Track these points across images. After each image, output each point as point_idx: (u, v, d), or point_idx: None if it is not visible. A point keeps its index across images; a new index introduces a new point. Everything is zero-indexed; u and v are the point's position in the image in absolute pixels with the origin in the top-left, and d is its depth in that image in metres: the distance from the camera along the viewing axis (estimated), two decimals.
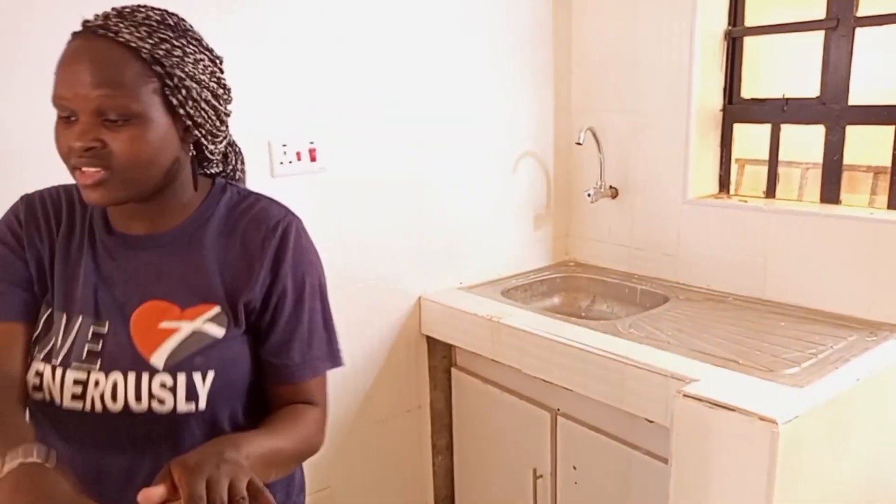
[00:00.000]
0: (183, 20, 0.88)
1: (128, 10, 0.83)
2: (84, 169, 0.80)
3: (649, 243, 2.10)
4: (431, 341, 2.04)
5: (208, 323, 0.88)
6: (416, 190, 1.93)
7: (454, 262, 2.06)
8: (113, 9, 0.84)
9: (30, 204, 0.93)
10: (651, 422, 1.48)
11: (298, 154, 1.67)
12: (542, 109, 2.18)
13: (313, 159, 1.70)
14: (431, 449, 2.11)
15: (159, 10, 0.86)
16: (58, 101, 0.81)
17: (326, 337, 0.97)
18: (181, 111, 0.84)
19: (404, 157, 1.89)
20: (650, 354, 1.50)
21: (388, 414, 1.99)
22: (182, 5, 0.97)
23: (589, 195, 2.12)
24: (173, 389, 0.85)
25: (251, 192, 0.97)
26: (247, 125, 1.33)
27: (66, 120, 0.81)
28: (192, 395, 0.85)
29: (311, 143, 1.69)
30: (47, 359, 0.86)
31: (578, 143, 2.05)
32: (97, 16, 0.83)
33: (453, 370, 2.06)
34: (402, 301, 1.97)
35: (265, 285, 0.91)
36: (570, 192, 2.30)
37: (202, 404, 0.86)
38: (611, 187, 2.15)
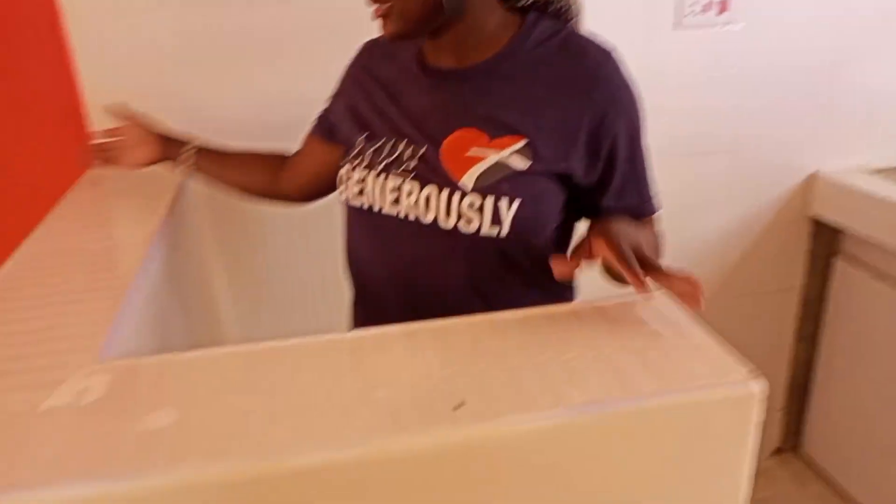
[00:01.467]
0: None
1: None
2: (373, 6, 0.88)
3: None
4: (817, 225, 1.86)
5: (515, 155, 0.88)
6: (827, 40, 1.69)
7: (863, 138, 1.80)
8: None
9: (367, 47, 1.07)
10: None
11: (706, 5, 1.55)
12: None
13: (724, 10, 1.57)
14: (794, 334, 2.00)
15: None
16: None
17: (650, 176, 0.97)
18: None
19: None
20: None
21: (753, 290, 1.91)
22: None
23: None
24: (480, 210, 0.87)
25: (565, 26, 0.93)
26: None
27: None
28: (496, 219, 0.87)
29: None
30: (369, 167, 0.95)
31: None
32: None
33: (837, 259, 1.87)
34: (788, 175, 1.81)
35: (589, 129, 0.88)
36: None
37: (504, 230, 0.88)
38: None
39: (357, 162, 0.97)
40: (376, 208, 0.95)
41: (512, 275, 0.95)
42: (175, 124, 1.21)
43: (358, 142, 0.98)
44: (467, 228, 0.88)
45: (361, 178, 0.95)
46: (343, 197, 1.00)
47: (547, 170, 0.89)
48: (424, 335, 0.72)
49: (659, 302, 0.77)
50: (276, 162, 1.19)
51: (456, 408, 0.61)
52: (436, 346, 0.70)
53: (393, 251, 0.96)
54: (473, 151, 0.89)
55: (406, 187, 0.91)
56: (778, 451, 2.15)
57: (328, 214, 1.22)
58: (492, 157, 0.88)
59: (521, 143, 0.88)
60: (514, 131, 0.88)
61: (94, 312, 0.80)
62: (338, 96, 1.09)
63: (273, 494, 0.57)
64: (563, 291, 1.03)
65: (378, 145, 0.96)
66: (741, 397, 0.63)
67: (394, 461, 0.58)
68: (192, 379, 0.67)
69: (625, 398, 0.62)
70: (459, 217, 0.88)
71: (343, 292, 1.14)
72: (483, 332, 0.73)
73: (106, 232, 1.08)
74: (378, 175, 0.94)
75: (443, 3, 0.86)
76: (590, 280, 0.95)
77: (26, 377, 0.68)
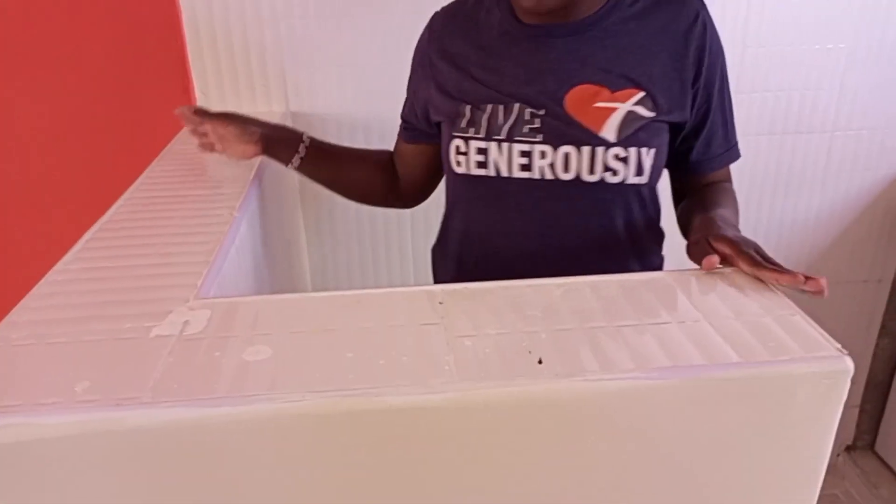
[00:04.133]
0: None
1: None
2: None
3: None
4: None
5: (637, 105, 0.91)
6: None
7: None
8: None
9: (437, 18, 1.03)
10: None
11: None
12: None
13: None
14: (879, 328, 1.92)
15: None
16: None
17: (734, 124, 1.01)
18: None
19: None
20: None
21: (840, 278, 1.84)
22: None
23: None
24: (625, 161, 0.90)
25: None
26: None
27: None
28: (640, 168, 0.91)
29: None
30: (488, 137, 0.93)
31: None
32: None
33: None
34: (886, 163, 1.72)
35: (693, 77, 0.92)
36: None
37: (645, 177, 0.92)
38: None
39: (471, 133, 0.94)
40: (504, 175, 0.94)
41: (644, 224, 1.00)
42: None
43: (464, 113, 0.96)
44: (614, 179, 0.92)
45: (482, 148, 0.94)
46: (460, 170, 0.97)
47: (666, 119, 0.93)
48: (520, 290, 0.74)
49: (748, 276, 0.76)
50: (390, 163, 1.15)
51: (540, 361, 0.62)
52: (519, 303, 0.71)
53: (525, 214, 0.97)
54: (602, 104, 0.90)
55: (537, 150, 0.92)
56: (849, 448, 2.09)
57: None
58: (623, 108, 0.90)
59: (640, 94, 0.91)
60: (632, 83, 0.91)
61: (194, 254, 0.84)
62: (416, 88, 1.06)
63: (360, 429, 0.60)
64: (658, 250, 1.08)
65: (489, 113, 0.94)
66: (831, 373, 0.62)
67: (476, 408, 0.60)
68: (285, 318, 0.70)
69: (710, 366, 0.61)
70: (606, 169, 0.91)
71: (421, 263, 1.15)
72: (575, 293, 0.73)
73: (203, 182, 1.13)
74: (501, 142, 0.93)
75: None
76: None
77: (135, 308, 0.73)
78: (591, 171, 0.91)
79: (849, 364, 0.62)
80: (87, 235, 0.90)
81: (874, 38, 1.59)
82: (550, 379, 0.60)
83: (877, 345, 1.94)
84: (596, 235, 0.96)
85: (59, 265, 0.83)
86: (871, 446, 2.09)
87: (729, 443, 0.64)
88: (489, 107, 0.94)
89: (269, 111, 1.47)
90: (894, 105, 1.66)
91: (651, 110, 0.91)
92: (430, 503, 0.64)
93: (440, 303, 0.72)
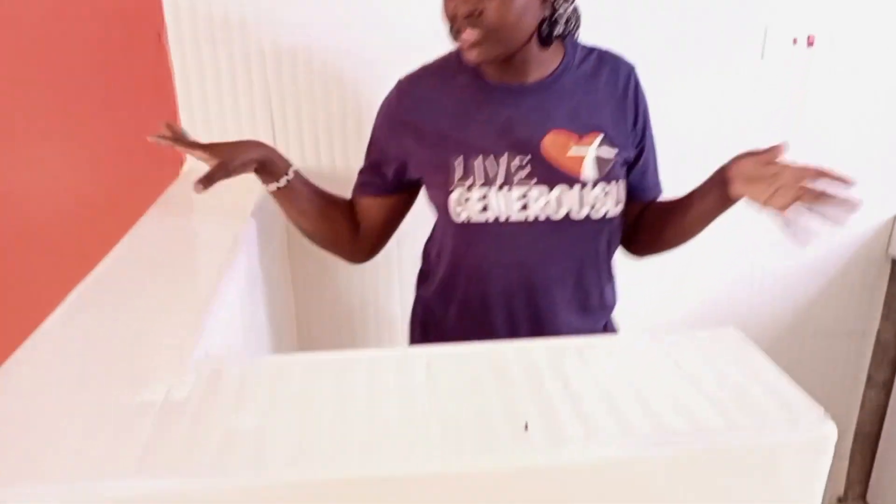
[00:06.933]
0: None
1: None
2: (465, 32, 0.94)
3: None
4: None
5: (601, 146, 1.03)
6: None
7: None
8: None
9: (404, 85, 1.07)
10: None
11: (795, 40, 1.55)
12: None
13: (810, 44, 1.55)
14: (866, 381, 1.93)
15: None
16: None
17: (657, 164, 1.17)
18: None
19: None
20: None
21: (826, 330, 1.85)
22: None
23: None
24: (607, 196, 1.03)
25: (592, 46, 1.09)
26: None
27: None
28: (617, 200, 1.05)
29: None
30: (487, 184, 1.01)
31: None
32: None
33: None
34: (870, 214, 1.76)
35: (633, 121, 1.07)
36: None
37: (620, 208, 1.06)
38: None
39: (469, 182, 1.01)
40: (503, 219, 1.02)
41: (614, 249, 1.14)
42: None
43: (455, 165, 1.02)
44: (597, 214, 1.03)
45: (483, 194, 1.01)
46: (462, 218, 1.03)
47: (623, 157, 1.06)
48: (498, 355, 0.74)
49: (731, 339, 0.77)
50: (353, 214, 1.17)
51: (526, 427, 0.62)
52: (506, 367, 0.72)
53: (520, 253, 1.06)
54: (574, 150, 1.03)
55: (534, 192, 1.01)
56: (841, 500, 2.08)
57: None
58: (591, 150, 1.03)
59: (601, 136, 1.04)
60: (593, 128, 1.04)
61: (183, 315, 0.84)
62: (384, 148, 1.09)
63: (346, 499, 0.60)
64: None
65: (482, 162, 1.01)
66: (814, 441, 0.62)
67: (462, 478, 0.60)
68: (271, 384, 0.70)
69: (694, 434, 0.62)
70: (591, 206, 1.03)
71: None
72: (551, 357, 0.74)
73: (194, 235, 1.13)
74: (500, 188, 1.01)
75: (539, 35, 0.99)
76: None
77: (119, 374, 0.72)
78: (580, 208, 1.02)
79: (832, 430, 0.63)
80: (74, 293, 0.90)
81: (847, 102, 1.63)
82: (536, 449, 0.60)
83: (864, 396, 1.95)
84: (578, 264, 1.09)
85: (45, 325, 0.83)
86: (863, 497, 2.08)
87: None
88: (479, 156, 1.01)
89: None
90: (872, 162, 1.70)
91: (612, 147, 1.04)
92: None
93: (427, 366, 0.72)
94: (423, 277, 1.20)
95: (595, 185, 1.02)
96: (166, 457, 0.60)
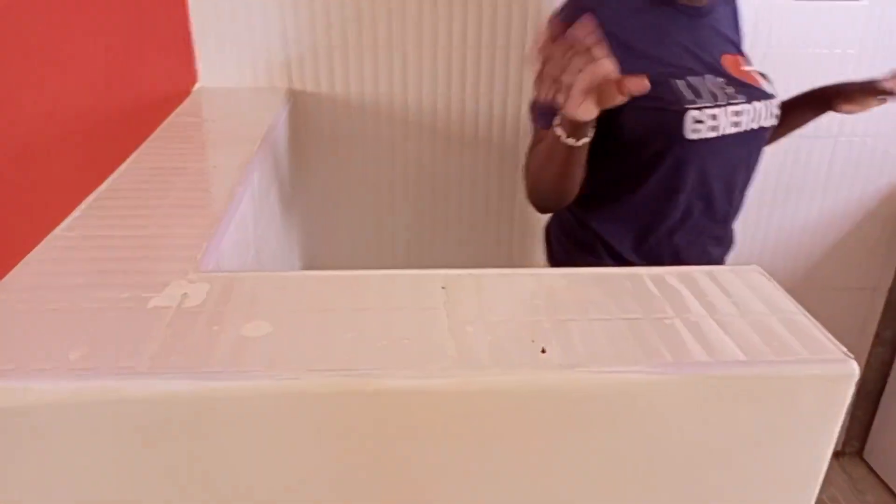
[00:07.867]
0: None
1: None
2: None
3: None
4: None
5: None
6: None
7: None
8: None
9: (594, 4, 1.00)
10: None
11: None
12: None
13: None
14: (874, 337, 1.92)
15: None
16: None
17: None
18: None
19: None
20: None
21: (838, 285, 1.84)
22: None
23: None
24: (777, 107, 1.15)
25: None
26: None
27: None
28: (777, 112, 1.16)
29: None
30: (715, 104, 1.07)
31: None
32: None
33: None
34: (890, 169, 1.72)
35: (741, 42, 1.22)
36: None
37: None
38: None
39: (700, 103, 1.07)
40: (723, 133, 1.09)
41: None
42: None
43: (679, 86, 1.07)
44: (771, 122, 1.14)
45: (714, 114, 1.07)
46: (694, 136, 1.07)
47: None
48: (523, 278, 0.73)
49: (755, 278, 0.76)
50: None
51: (543, 350, 0.61)
52: (532, 291, 0.71)
53: (729, 163, 1.14)
54: (747, 68, 1.15)
55: (746, 108, 1.10)
56: (837, 454, 2.10)
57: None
58: (755, 69, 1.16)
59: (745, 55, 1.19)
60: (738, 47, 1.19)
61: (194, 227, 0.83)
62: None
63: (358, 411, 0.59)
64: None
65: (698, 82, 1.08)
66: (836, 378, 0.61)
67: (476, 395, 0.59)
68: (285, 296, 0.69)
69: (716, 364, 0.61)
70: (772, 117, 1.14)
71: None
72: (579, 285, 0.72)
73: (206, 153, 1.12)
74: (725, 107, 1.08)
75: None
76: None
77: (134, 279, 0.71)
78: (769, 119, 1.13)
79: (854, 368, 0.62)
80: (85, 202, 0.89)
81: (882, 44, 1.58)
82: (553, 369, 0.59)
83: (870, 352, 1.95)
84: (753, 172, 1.20)
85: (58, 230, 0.82)
86: (860, 453, 2.10)
87: (729, 442, 0.64)
88: (695, 77, 1.08)
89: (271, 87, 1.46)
90: None
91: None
92: (425, 488, 0.63)
93: (442, 287, 0.71)
94: (586, 203, 1.12)
95: (773, 98, 1.13)
96: (179, 359, 0.59)
